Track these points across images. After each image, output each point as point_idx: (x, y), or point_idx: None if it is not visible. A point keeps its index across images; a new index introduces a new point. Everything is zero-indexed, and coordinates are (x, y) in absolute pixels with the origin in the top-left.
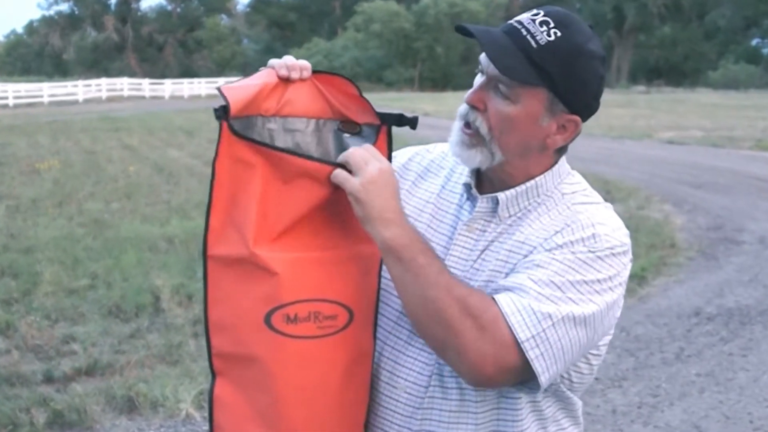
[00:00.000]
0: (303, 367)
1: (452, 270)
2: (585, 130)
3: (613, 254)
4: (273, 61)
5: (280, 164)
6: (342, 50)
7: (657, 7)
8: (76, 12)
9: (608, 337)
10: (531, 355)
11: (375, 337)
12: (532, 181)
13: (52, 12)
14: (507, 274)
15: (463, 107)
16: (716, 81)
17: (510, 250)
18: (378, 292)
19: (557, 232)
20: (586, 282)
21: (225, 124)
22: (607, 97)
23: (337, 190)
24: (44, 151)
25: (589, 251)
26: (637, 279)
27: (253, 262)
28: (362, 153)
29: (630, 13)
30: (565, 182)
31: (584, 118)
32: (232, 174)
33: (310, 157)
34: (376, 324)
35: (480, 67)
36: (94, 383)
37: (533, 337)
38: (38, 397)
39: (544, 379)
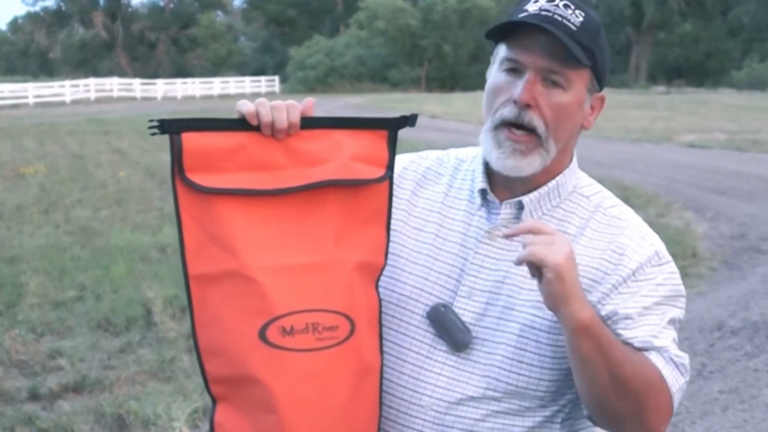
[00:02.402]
0: (305, 383)
1: (477, 280)
2: (601, 133)
3: (674, 268)
4: (261, 113)
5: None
6: (344, 48)
7: (678, 2)
8: (63, 8)
9: None
10: (675, 401)
11: (382, 351)
12: (554, 181)
13: (37, 8)
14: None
15: (508, 110)
16: (740, 81)
17: (589, 282)
18: (380, 305)
19: (621, 254)
20: (677, 308)
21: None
22: (625, 97)
23: (322, 191)
24: (29, 155)
25: (670, 274)
26: None
27: (240, 274)
28: (541, 224)
29: (649, 9)
30: (581, 182)
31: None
32: (195, 188)
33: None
34: (381, 338)
35: (512, 64)
36: (82, 401)
37: (680, 387)
38: (23, 415)
39: None
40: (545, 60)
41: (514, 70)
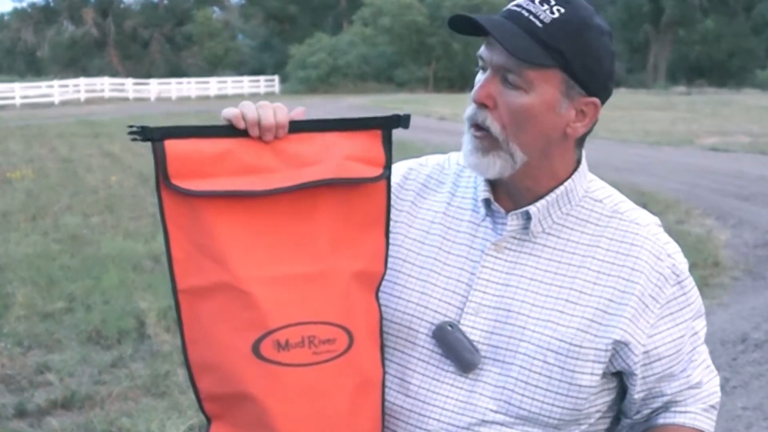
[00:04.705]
0: (302, 399)
1: (485, 295)
2: (619, 136)
3: (692, 280)
4: (246, 113)
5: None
6: (348, 46)
7: None
8: (52, 4)
9: None
10: None
11: (383, 364)
12: (562, 187)
13: (24, 4)
14: (601, 326)
15: (470, 109)
16: (765, 81)
17: (606, 302)
18: (380, 315)
19: (640, 272)
20: (700, 325)
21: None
22: (644, 98)
23: (316, 194)
24: (16, 159)
25: (691, 290)
26: None
27: (232, 287)
28: None
29: (669, 5)
30: (592, 186)
31: (603, 101)
32: (181, 196)
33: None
34: (382, 349)
35: (481, 62)
36: (72, 417)
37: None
38: None
39: None
40: (501, 58)
41: (484, 68)
